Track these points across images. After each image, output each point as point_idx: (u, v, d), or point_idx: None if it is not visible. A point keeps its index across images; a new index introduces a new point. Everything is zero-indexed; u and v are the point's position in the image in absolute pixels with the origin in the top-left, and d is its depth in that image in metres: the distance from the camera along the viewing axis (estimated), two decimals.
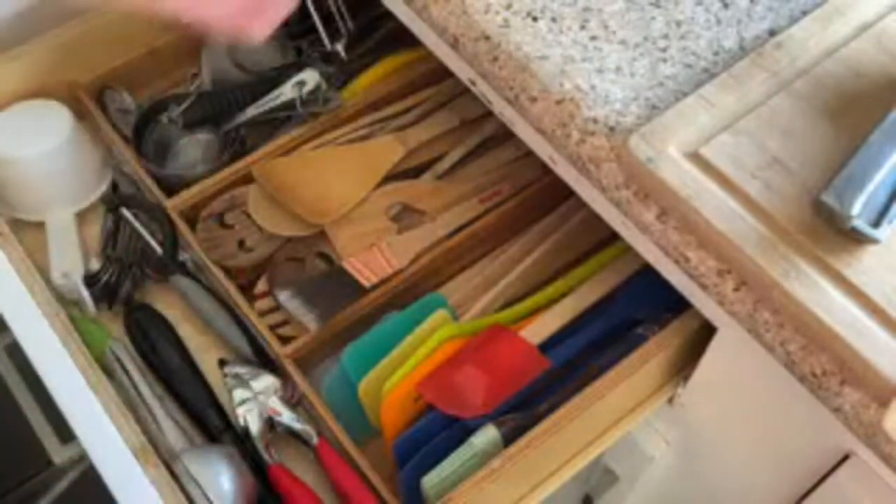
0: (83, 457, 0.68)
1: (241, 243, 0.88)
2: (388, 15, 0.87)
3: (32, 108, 0.91)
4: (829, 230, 0.62)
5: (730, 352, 0.72)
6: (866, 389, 0.58)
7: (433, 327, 0.79)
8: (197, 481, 0.71)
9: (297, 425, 0.78)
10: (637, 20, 0.74)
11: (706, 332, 0.73)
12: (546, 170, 0.79)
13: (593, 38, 0.73)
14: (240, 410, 0.78)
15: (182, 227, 0.87)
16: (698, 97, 0.68)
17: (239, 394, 0.78)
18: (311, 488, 0.76)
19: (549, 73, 0.71)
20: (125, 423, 0.69)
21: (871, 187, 0.60)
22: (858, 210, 0.60)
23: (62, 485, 1.15)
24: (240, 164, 0.91)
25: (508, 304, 0.84)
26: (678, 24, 0.74)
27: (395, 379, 0.76)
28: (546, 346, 0.79)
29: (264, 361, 0.82)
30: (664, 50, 0.72)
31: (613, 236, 0.77)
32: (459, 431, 0.73)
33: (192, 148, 0.97)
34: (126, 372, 0.80)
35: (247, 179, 0.90)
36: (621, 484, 0.96)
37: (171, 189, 0.90)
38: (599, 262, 0.85)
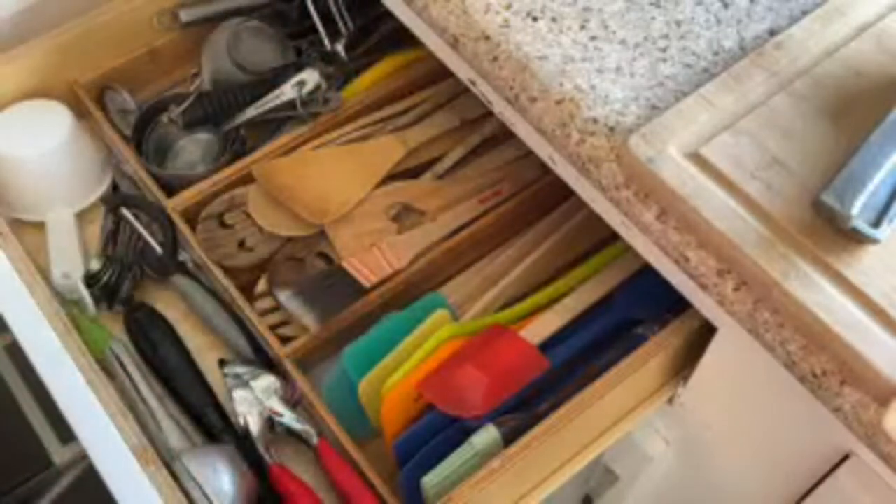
0: (83, 457, 0.68)
1: (241, 243, 0.88)
2: (388, 15, 0.87)
3: (32, 108, 0.91)
4: (829, 230, 0.62)
5: (730, 352, 0.73)
6: (866, 389, 0.58)
7: (433, 327, 0.79)
8: (197, 481, 0.71)
9: (297, 425, 0.78)
10: (637, 20, 0.74)
11: (706, 332, 0.73)
12: (546, 170, 0.79)
13: (593, 38, 0.73)
14: (240, 410, 0.78)
15: (182, 227, 0.87)
16: (698, 97, 0.68)
17: (239, 394, 0.78)
18: (311, 488, 0.76)
19: (549, 73, 0.71)
20: (125, 423, 0.69)
21: (871, 187, 0.61)
22: (858, 210, 0.60)
23: (62, 484, 1.15)
24: (240, 165, 0.91)
25: (508, 304, 0.84)
26: (678, 23, 0.74)
27: (395, 379, 0.76)
28: (546, 346, 0.79)
29: (264, 361, 0.82)
30: (664, 50, 0.72)
31: (613, 236, 0.77)
32: (459, 431, 0.73)
33: (193, 148, 0.97)
34: (126, 372, 0.80)
35: (247, 179, 0.90)
36: (621, 484, 0.96)
37: (171, 189, 0.90)
38: (599, 262, 0.86)
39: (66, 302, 0.85)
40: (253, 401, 0.78)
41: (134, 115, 0.95)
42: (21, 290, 0.74)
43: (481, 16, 0.74)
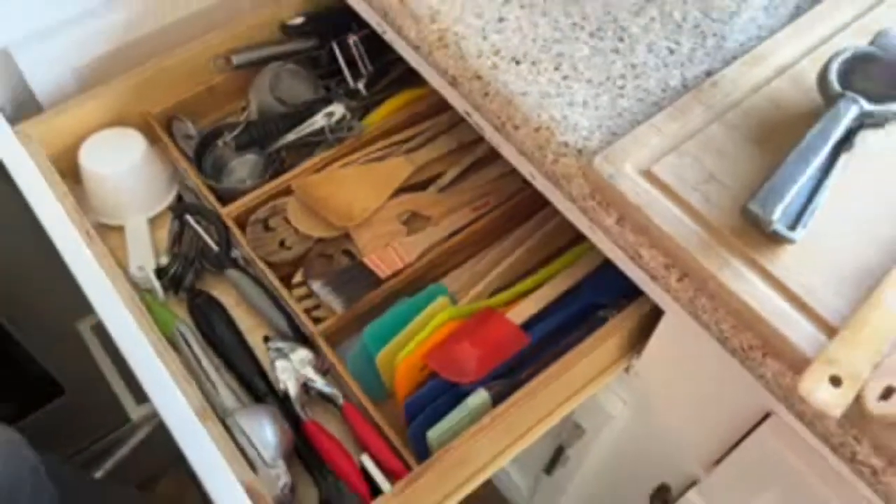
0: (155, 415, 0.68)
1: (281, 243, 0.88)
2: (400, 59, 0.87)
3: (114, 134, 0.91)
4: (755, 233, 0.62)
5: (674, 330, 0.73)
6: (784, 361, 0.58)
7: (436, 310, 0.79)
8: (246, 434, 0.71)
9: (327, 389, 0.78)
10: (600, 63, 0.74)
11: (655, 314, 0.73)
12: (527, 184, 0.79)
13: (565, 77, 0.73)
14: (281, 377, 0.78)
15: (234, 229, 0.87)
16: (649, 125, 0.68)
17: (280, 364, 0.78)
18: (338, 440, 0.76)
19: (530, 106, 0.71)
20: (188, 388, 0.70)
21: (788, 198, 0.61)
22: (778, 216, 0.60)
23: (138, 437, 1.15)
24: (280, 180, 0.91)
25: (496, 292, 0.84)
26: (633, 66, 0.74)
27: (406, 352, 0.76)
28: (527, 326, 0.79)
29: (300, 338, 0.82)
30: (622, 88, 0.72)
31: (581, 237, 0.77)
32: (457, 394, 0.73)
33: (242, 166, 0.97)
34: (189, 346, 0.80)
35: (286, 191, 0.90)
36: (587, 436, 0.96)
37: (225, 199, 0.90)
38: (570, 258, 0.85)
39: (141, 290, 0.85)
40: (291, 370, 0.78)
41: (195, 140, 0.95)
42: (104, 280, 0.74)
43: (475, 60, 0.74)
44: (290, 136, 0.94)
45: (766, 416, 0.68)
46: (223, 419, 0.72)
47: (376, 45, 0.94)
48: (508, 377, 0.75)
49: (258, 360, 0.82)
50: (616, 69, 0.74)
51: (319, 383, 0.78)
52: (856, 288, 0.59)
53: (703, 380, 0.73)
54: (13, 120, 0.86)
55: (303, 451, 0.76)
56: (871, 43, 0.70)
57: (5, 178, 0.81)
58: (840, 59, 0.67)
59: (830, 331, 0.57)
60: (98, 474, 1.15)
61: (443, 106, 0.92)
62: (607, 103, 0.71)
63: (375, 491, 0.72)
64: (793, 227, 0.61)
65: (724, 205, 0.63)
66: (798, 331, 0.57)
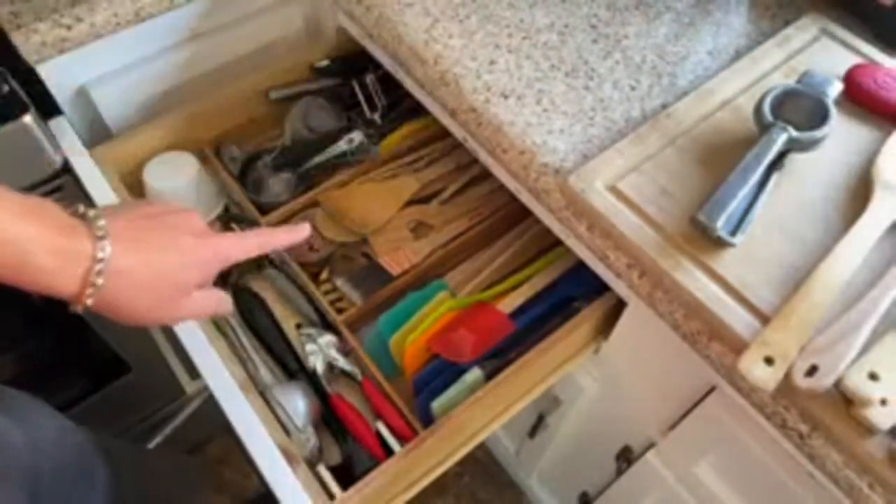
0: (206, 388, 0.68)
1: (310, 247, 0.88)
2: (409, 94, 0.87)
3: (172, 157, 0.91)
4: (702, 238, 0.62)
5: (636, 319, 0.73)
6: (726, 344, 0.59)
7: (439, 302, 0.80)
8: (281, 404, 0.71)
9: (348, 367, 0.78)
10: (574, 98, 0.74)
11: (620, 306, 0.74)
12: (513, 198, 0.79)
13: (545, 110, 0.73)
14: (310, 357, 0.78)
15: None
16: (614, 150, 0.68)
17: (309, 346, 0.78)
18: (358, 410, 0.76)
19: (516, 134, 0.71)
20: (234, 366, 0.70)
21: (729, 209, 0.61)
22: (722, 224, 0.60)
23: (192, 406, 1.15)
24: (310, 194, 0.91)
25: (489, 287, 0.84)
26: (601, 101, 0.74)
27: (414, 337, 0.76)
28: (514, 315, 0.79)
29: (326, 325, 0.82)
30: (592, 118, 0.73)
31: (558, 242, 0.77)
32: (456, 372, 0.73)
33: (278, 183, 0.97)
34: (234, 332, 0.80)
35: (314, 204, 0.90)
36: (563, 406, 0.96)
37: (264, 210, 0.90)
38: (549, 259, 0.86)
39: None
40: (319, 351, 0.78)
41: (239, 162, 0.95)
42: None
43: (470, 95, 0.75)
44: (318, 158, 0.94)
45: (712, 389, 0.68)
46: (262, 392, 0.72)
47: (389, 83, 0.94)
48: (499, 358, 0.75)
49: (291, 344, 0.82)
50: (587, 103, 0.74)
51: (342, 362, 0.78)
52: (784, 283, 0.59)
53: (659, 360, 0.73)
54: (89, 145, 0.86)
55: (328, 418, 0.76)
56: (798, 81, 0.70)
57: (82, 194, 0.81)
58: (772, 95, 0.67)
59: (764, 319, 0.57)
60: (158, 439, 1.15)
61: (444, 133, 0.92)
62: (580, 131, 0.71)
63: (388, 452, 0.72)
64: (733, 233, 0.61)
65: (676, 215, 0.63)
66: (737, 319, 0.57)
